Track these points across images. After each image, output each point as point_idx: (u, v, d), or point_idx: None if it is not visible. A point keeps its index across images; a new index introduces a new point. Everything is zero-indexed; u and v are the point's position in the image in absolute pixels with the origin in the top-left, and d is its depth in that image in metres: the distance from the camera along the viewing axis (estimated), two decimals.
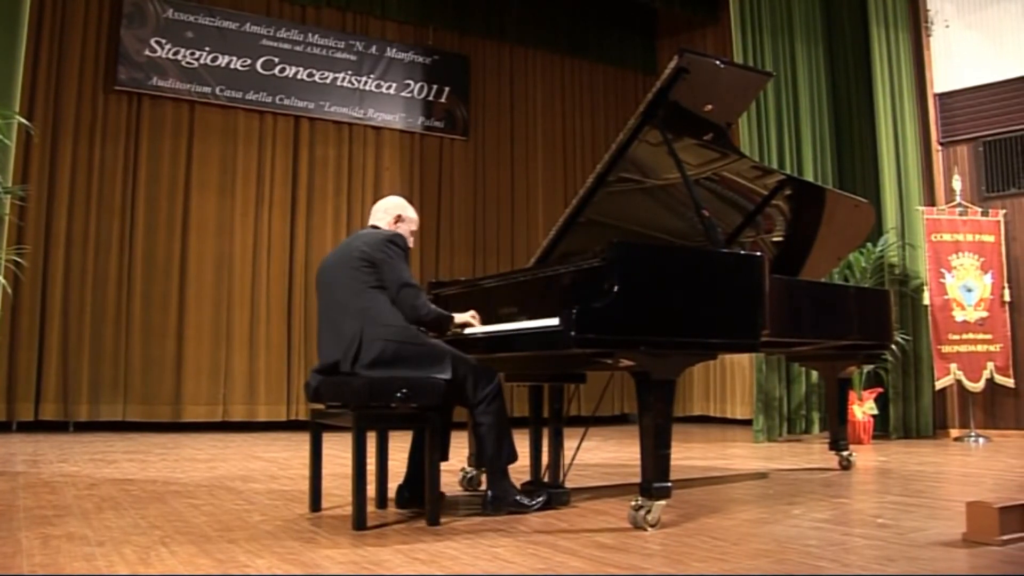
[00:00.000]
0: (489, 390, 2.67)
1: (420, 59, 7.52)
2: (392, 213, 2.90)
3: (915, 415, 5.78)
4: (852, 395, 5.36)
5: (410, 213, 2.94)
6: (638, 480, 2.50)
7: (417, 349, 2.59)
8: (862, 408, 5.46)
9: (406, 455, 2.91)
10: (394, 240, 2.71)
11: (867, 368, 5.59)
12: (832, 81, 6.53)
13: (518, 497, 2.71)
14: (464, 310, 2.89)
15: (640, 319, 2.42)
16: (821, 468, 4.03)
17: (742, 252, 2.79)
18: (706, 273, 2.59)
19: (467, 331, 2.82)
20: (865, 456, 4.57)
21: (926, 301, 5.67)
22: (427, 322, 2.71)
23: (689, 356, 2.58)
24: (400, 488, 2.85)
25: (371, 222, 2.92)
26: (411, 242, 2.90)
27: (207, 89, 6.60)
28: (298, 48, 6.99)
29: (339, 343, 2.60)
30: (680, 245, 3.33)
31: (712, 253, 2.70)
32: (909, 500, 2.97)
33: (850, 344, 3.71)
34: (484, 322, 2.88)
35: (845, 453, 3.97)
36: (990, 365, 5.59)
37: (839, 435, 4.00)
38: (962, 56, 6.00)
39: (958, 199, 5.75)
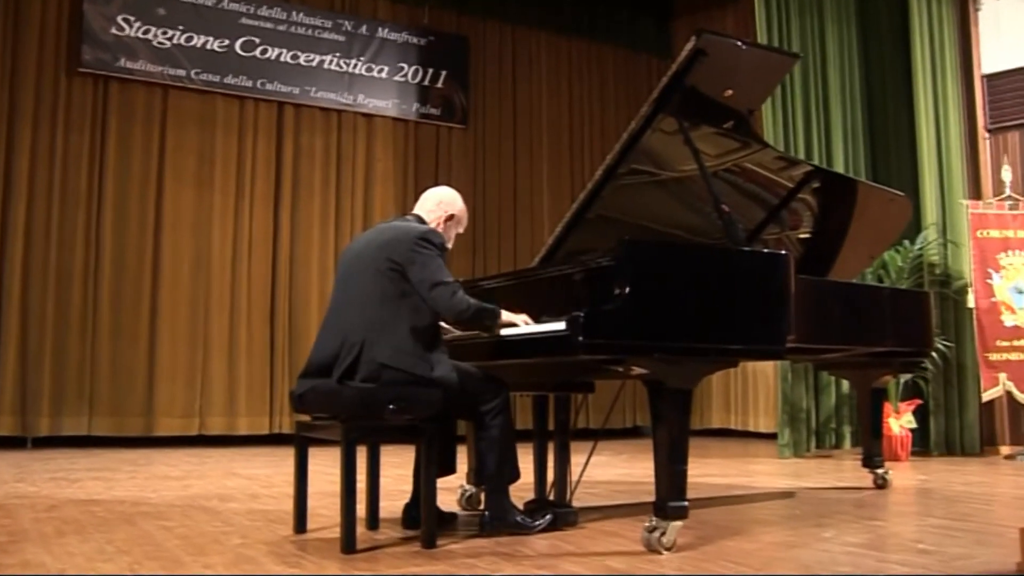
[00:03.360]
0: (495, 403, 2.68)
1: (415, 40, 7.55)
2: (444, 210, 2.84)
3: (959, 430, 5.77)
4: (888, 407, 5.36)
5: (461, 210, 2.89)
6: (652, 499, 2.51)
7: (413, 390, 2.54)
8: (899, 421, 5.47)
9: (399, 472, 2.93)
10: (427, 237, 2.63)
11: (904, 377, 5.59)
12: (866, 62, 6.53)
13: (519, 518, 2.73)
14: None
15: (654, 323, 2.44)
16: (853, 487, 4.04)
17: (765, 251, 2.80)
18: (726, 273, 2.60)
19: (505, 331, 2.70)
20: (903, 474, 4.58)
21: (971, 304, 5.66)
22: (468, 320, 2.63)
23: (707, 363, 2.60)
24: (407, 507, 2.87)
25: (416, 210, 2.87)
26: (451, 243, 2.86)
27: (181, 72, 6.63)
28: (281, 28, 7.02)
29: (337, 348, 2.60)
30: (697, 243, 3.34)
31: (732, 252, 2.72)
32: (954, 524, 2.97)
33: (885, 351, 3.72)
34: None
35: (880, 471, 3.98)
36: None
37: (873, 451, 4.01)
38: (1013, 33, 5.99)
39: (1008, 191, 5.74)
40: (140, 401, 6.28)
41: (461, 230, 2.93)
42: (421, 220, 2.83)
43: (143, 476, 4.38)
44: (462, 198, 2.95)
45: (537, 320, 2.71)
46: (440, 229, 2.83)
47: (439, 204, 2.86)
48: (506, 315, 2.70)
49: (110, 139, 6.43)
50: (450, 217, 2.86)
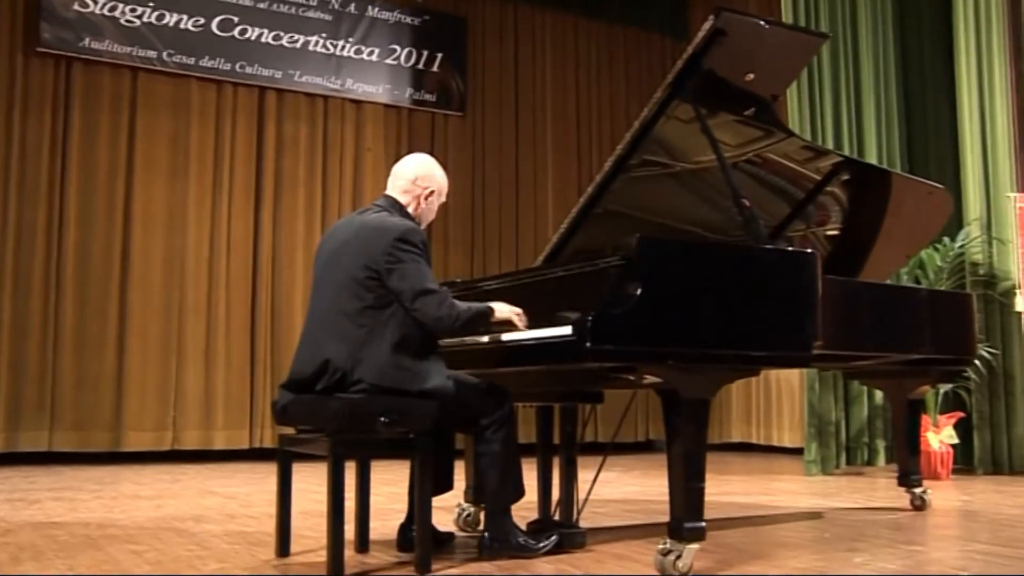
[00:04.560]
0: (498, 415, 2.70)
1: (408, 20, 7.58)
2: (421, 187, 2.84)
3: (1006, 446, 5.77)
4: (926, 420, 5.38)
5: (443, 183, 2.90)
6: (666, 519, 2.53)
7: (407, 401, 2.58)
8: (939, 436, 5.47)
9: (391, 490, 2.95)
10: (405, 239, 2.64)
11: (944, 387, 5.60)
12: (902, 41, 6.54)
13: (521, 539, 2.75)
14: None
15: (668, 327, 2.46)
16: (888, 508, 4.06)
17: (790, 248, 2.82)
18: (746, 273, 2.63)
19: (505, 336, 2.74)
20: (944, 494, 4.59)
21: (1019, 307, 5.66)
22: (459, 330, 2.67)
23: (726, 371, 2.62)
24: (402, 528, 2.89)
25: (389, 190, 2.88)
26: (433, 214, 2.91)
27: (152, 53, 6.66)
28: (262, 6, 7.05)
29: (319, 365, 2.61)
30: (715, 240, 3.37)
31: (754, 250, 2.74)
32: (1001, 550, 2.97)
33: (922, 358, 3.73)
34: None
35: (918, 490, 3.99)
36: None
37: (910, 468, 4.02)
38: None
39: None
40: (107, 413, 6.30)
41: (445, 198, 2.95)
42: (397, 204, 2.83)
43: (110, 496, 4.40)
44: (448, 180, 2.97)
45: (540, 325, 2.73)
46: (420, 209, 2.86)
47: (414, 182, 2.86)
48: (499, 309, 2.71)
49: (73, 127, 6.45)
50: (430, 194, 2.87)
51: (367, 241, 2.66)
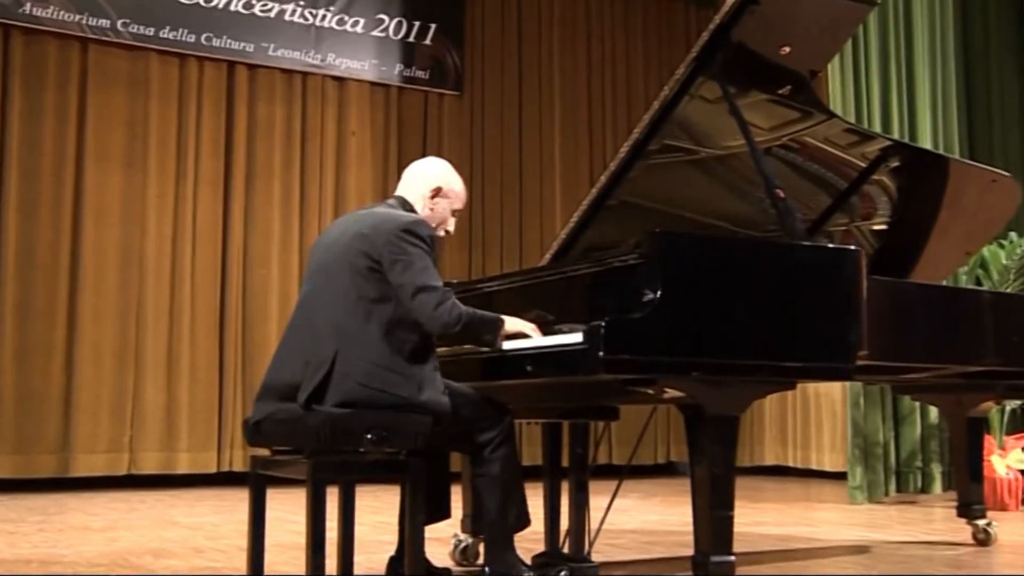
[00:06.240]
0: (496, 433, 2.72)
1: None
2: (431, 184, 2.89)
3: None
4: (990, 442, 5.38)
5: (455, 186, 2.94)
6: (689, 552, 2.55)
7: (396, 416, 2.59)
8: (1005, 460, 5.47)
9: (378, 518, 2.97)
10: (412, 230, 2.67)
11: (1011, 404, 5.60)
12: (963, 8, 6.54)
13: (527, 574, 2.76)
14: None
15: (692, 334, 2.48)
16: (946, 542, 4.07)
17: (830, 245, 2.84)
18: (781, 273, 2.65)
19: (507, 345, 2.76)
20: (1012, 528, 4.59)
21: None
22: (459, 334, 2.69)
23: (758, 384, 2.64)
24: (391, 561, 2.92)
25: (399, 191, 2.93)
26: (452, 226, 2.95)
27: (105, 23, 6.68)
28: None
29: (303, 363, 2.64)
30: (745, 236, 3.39)
31: (789, 247, 2.77)
32: None
33: (985, 371, 3.74)
34: None
35: (981, 522, 4.00)
36: None
37: (972, 497, 4.04)
38: None
39: None
40: (53, 434, 6.29)
41: (460, 207, 2.97)
42: (405, 203, 2.88)
43: (55, 527, 4.41)
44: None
45: (546, 331, 2.75)
46: (428, 211, 2.88)
47: (424, 179, 2.91)
48: (511, 323, 2.74)
49: (13, 106, 6.43)
50: (437, 191, 2.89)
51: (370, 229, 2.70)
